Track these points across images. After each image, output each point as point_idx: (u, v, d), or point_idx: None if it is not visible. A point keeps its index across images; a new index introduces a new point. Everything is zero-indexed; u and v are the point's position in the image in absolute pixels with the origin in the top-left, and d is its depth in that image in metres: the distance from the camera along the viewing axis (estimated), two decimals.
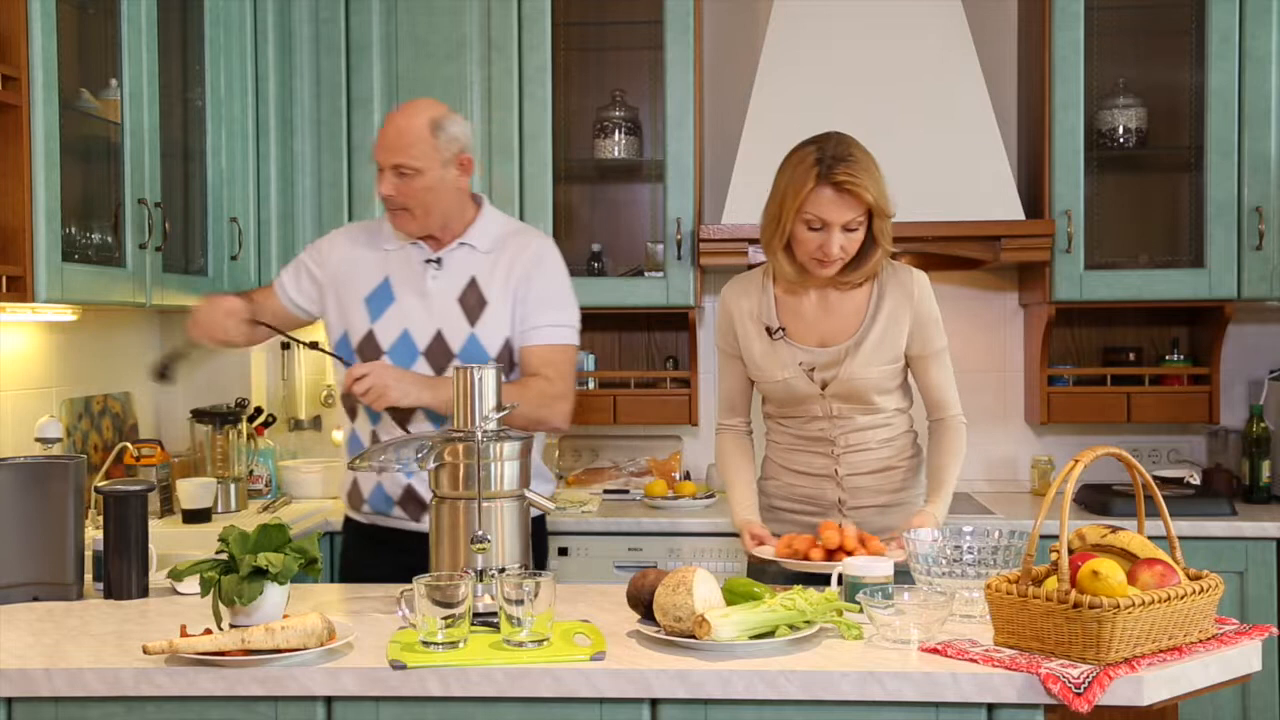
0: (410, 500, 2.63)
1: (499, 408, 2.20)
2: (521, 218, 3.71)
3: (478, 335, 2.60)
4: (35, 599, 2.29)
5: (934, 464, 2.64)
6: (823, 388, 2.56)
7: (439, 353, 2.60)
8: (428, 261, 2.64)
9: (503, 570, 2.15)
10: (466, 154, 2.62)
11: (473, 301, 2.61)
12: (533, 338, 2.62)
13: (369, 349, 2.62)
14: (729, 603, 2.02)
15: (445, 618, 1.91)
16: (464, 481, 2.16)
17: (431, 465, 2.18)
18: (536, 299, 2.62)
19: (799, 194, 2.45)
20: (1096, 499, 3.56)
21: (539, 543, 2.75)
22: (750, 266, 3.42)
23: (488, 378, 2.20)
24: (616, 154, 3.89)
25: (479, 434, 2.16)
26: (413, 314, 2.62)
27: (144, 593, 2.34)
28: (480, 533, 2.14)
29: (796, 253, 2.53)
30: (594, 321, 4.03)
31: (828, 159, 2.45)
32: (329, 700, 1.90)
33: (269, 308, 2.74)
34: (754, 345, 2.61)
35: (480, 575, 2.12)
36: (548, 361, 2.62)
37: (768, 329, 2.59)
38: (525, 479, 2.23)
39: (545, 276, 2.65)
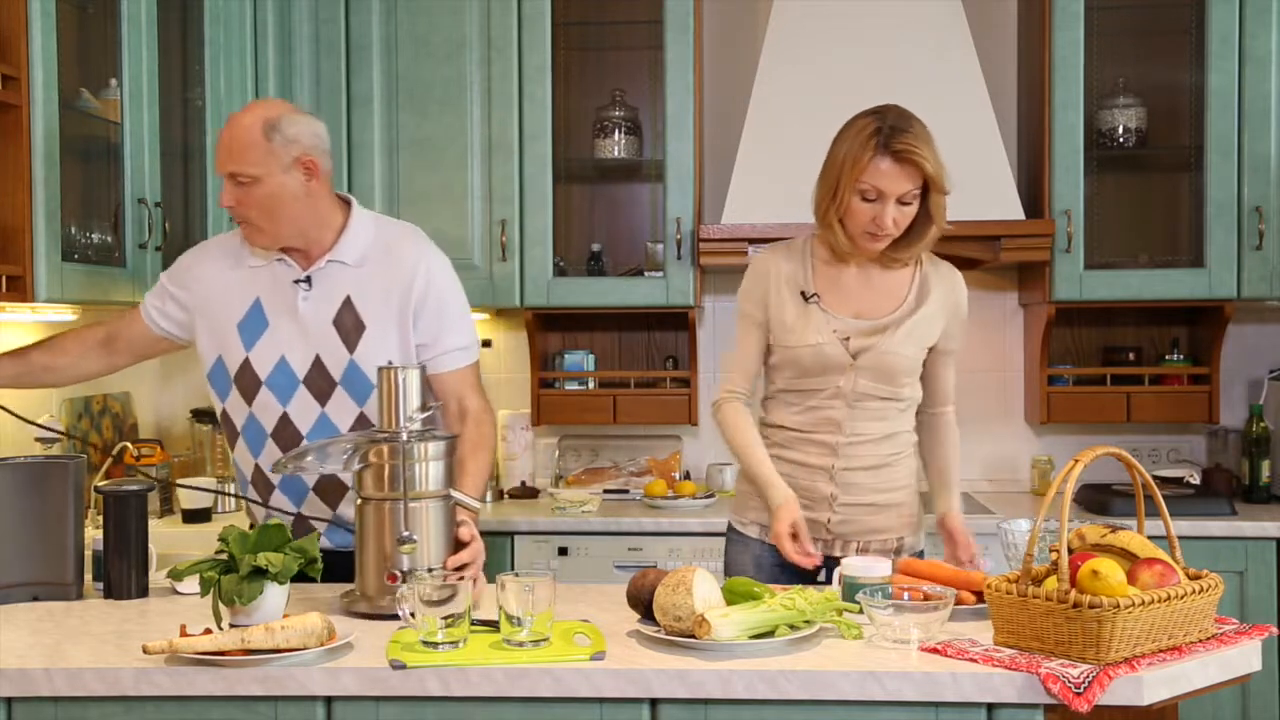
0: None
1: (423, 408, 2.20)
2: (521, 218, 3.71)
3: (357, 361, 2.43)
4: (35, 599, 2.29)
5: (942, 461, 2.64)
6: (854, 358, 2.52)
7: (319, 379, 2.45)
8: (297, 281, 2.46)
9: (430, 571, 2.16)
10: (309, 156, 2.40)
11: (349, 324, 2.45)
12: (446, 363, 2.50)
13: (246, 378, 2.48)
14: (729, 603, 2.02)
15: (445, 618, 1.91)
16: (389, 482, 2.16)
17: (355, 467, 2.18)
18: (438, 322, 2.48)
19: (857, 163, 2.43)
20: (1096, 499, 3.56)
21: None
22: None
23: (411, 378, 2.20)
24: (616, 154, 3.89)
25: (403, 434, 2.17)
26: (288, 339, 2.46)
27: (144, 593, 2.34)
28: (406, 533, 2.14)
29: (848, 225, 2.50)
30: (594, 321, 4.05)
31: (887, 129, 2.43)
32: (329, 700, 1.90)
33: (132, 335, 2.60)
34: (786, 309, 2.56)
35: (405, 576, 2.13)
36: (464, 382, 2.52)
37: (803, 294, 2.55)
38: (451, 479, 2.23)
39: (440, 295, 2.49)
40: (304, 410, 2.46)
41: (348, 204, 2.54)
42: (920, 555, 2.68)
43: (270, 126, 2.38)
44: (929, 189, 2.46)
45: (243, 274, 2.51)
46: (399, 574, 2.14)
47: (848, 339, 2.52)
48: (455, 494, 2.23)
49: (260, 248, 2.48)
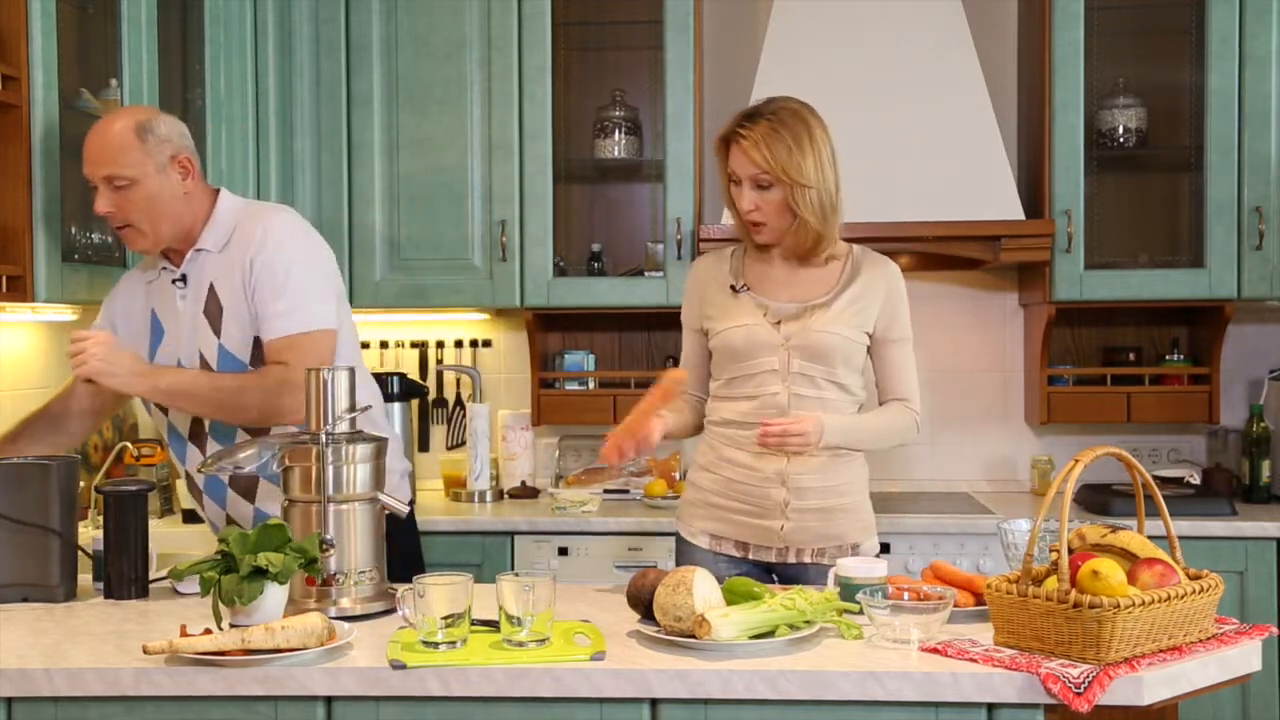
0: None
1: (351, 409, 2.20)
2: (521, 218, 3.71)
3: (224, 345, 2.46)
4: (25, 599, 2.28)
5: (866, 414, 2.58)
6: (786, 338, 2.52)
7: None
8: (174, 282, 2.50)
9: (364, 573, 2.17)
10: (183, 154, 2.45)
11: (214, 311, 2.46)
12: (266, 330, 2.43)
13: None
14: (729, 603, 2.02)
15: (445, 617, 1.91)
16: (314, 485, 2.16)
17: (276, 468, 2.19)
18: (262, 287, 2.42)
19: (718, 149, 2.58)
20: (1096, 499, 3.56)
21: (411, 540, 2.75)
22: None
23: (339, 379, 2.19)
24: (616, 154, 3.88)
25: (323, 436, 2.17)
26: (178, 341, 2.50)
27: (144, 593, 2.34)
28: (326, 536, 2.14)
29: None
30: (594, 321, 4.05)
31: (740, 116, 2.56)
32: (329, 700, 1.90)
33: (99, 391, 2.58)
34: (716, 303, 2.61)
35: (328, 580, 2.13)
36: (284, 350, 2.41)
37: (732, 287, 2.61)
38: (379, 482, 2.22)
39: (269, 259, 2.43)
40: None
41: (216, 197, 2.54)
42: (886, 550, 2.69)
43: (142, 128, 2.40)
44: (787, 180, 2.49)
45: (142, 290, 2.58)
46: (319, 578, 2.13)
47: (778, 322, 2.54)
48: (383, 497, 2.22)
49: (141, 251, 2.51)
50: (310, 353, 2.41)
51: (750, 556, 2.58)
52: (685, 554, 2.66)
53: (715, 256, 2.70)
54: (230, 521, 2.55)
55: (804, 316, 2.54)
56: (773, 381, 2.53)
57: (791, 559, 2.56)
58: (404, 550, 2.62)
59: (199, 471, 2.44)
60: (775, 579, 2.55)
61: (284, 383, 2.38)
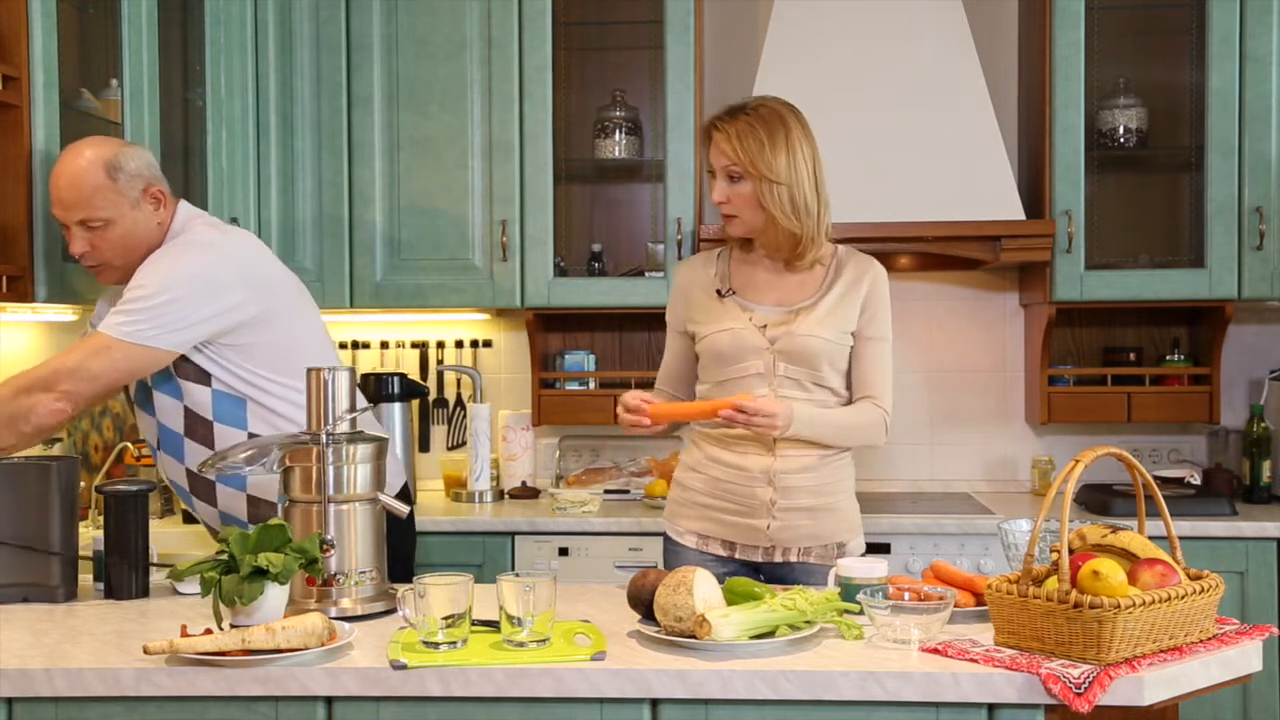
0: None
1: (351, 409, 2.20)
2: (521, 218, 3.71)
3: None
4: (26, 599, 2.28)
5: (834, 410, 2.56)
6: (771, 342, 2.52)
7: (142, 390, 2.49)
8: None
9: (364, 573, 2.17)
10: (154, 186, 2.43)
11: None
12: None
13: (130, 401, 2.55)
14: (729, 603, 2.02)
15: (446, 617, 1.91)
16: (315, 485, 2.16)
17: (276, 469, 2.19)
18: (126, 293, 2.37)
19: (700, 139, 2.62)
20: (1096, 499, 3.56)
21: (408, 538, 2.75)
22: None
23: (339, 379, 2.19)
24: (616, 154, 3.88)
25: (323, 436, 2.17)
26: None
27: (144, 593, 2.34)
28: (327, 536, 2.14)
29: None
30: (595, 322, 4.05)
31: (726, 108, 2.60)
32: (329, 700, 1.90)
33: None
34: (701, 308, 2.61)
35: (328, 580, 2.14)
36: (83, 343, 2.35)
37: (718, 291, 2.61)
38: (379, 482, 2.22)
39: (142, 268, 2.39)
40: (161, 418, 2.49)
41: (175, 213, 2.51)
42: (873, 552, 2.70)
43: (112, 166, 2.37)
44: (757, 175, 2.51)
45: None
46: (319, 578, 2.13)
47: (764, 326, 2.54)
48: (383, 498, 2.23)
49: (113, 284, 2.49)
50: (104, 359, 2.32)
51: (737, 556, 2.58)
52: (672, 553, 2.66)
53: (701, 259, 2.70)
54: (209, 527, 2.58)
55: (789, 320, 2.54)
56: (759, 385, 2.53)
57: (778, 558, 2.56)
58: (399, 542, 2.62)
59: (198, 471, 2.44)
60: (762, 578, 2.55)
61: (26, 378, 2.32)
